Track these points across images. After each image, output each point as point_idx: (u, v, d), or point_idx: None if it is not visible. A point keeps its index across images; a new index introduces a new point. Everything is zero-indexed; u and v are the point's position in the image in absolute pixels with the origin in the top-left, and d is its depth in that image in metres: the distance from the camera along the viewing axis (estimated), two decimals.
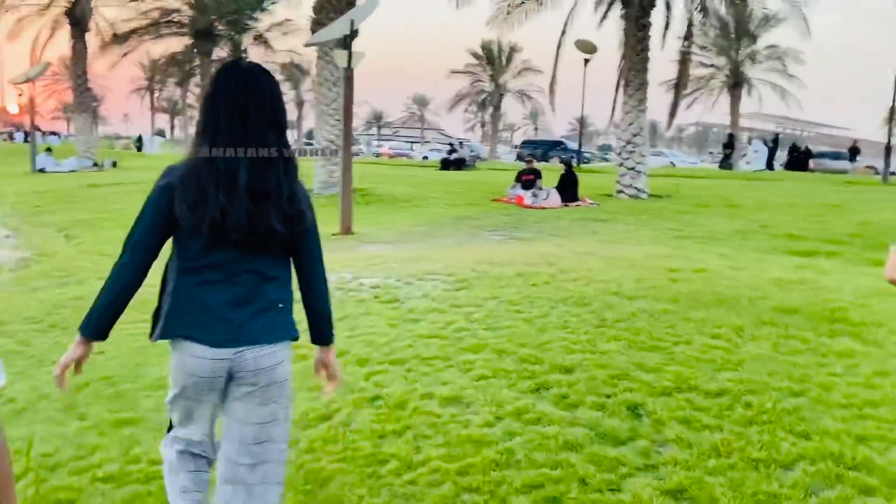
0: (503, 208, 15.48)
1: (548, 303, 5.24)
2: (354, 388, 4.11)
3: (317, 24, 16.32)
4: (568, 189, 16.13)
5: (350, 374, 4.33)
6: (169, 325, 2.25)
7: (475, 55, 51.92)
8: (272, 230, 2.16)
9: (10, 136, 58.56)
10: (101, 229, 13.21)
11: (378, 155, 52.92)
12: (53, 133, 64.77)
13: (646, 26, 17.27)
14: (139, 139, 51.54)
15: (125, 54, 28.19)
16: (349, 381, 4.22)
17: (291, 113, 68.70)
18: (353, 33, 11.08)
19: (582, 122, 32.16)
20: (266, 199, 2.15)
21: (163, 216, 2.18)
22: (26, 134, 59.54)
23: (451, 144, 36.26)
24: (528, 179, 17.12)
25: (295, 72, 40.45)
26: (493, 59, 51.65)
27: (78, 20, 28.18)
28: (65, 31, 29.10)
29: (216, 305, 2.20)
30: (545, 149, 51.53)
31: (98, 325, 2.28)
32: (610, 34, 21.73)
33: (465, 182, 21.47)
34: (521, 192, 16.63)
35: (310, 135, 68.18)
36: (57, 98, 73.34)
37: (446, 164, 30.79)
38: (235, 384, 2.26)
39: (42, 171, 26.14)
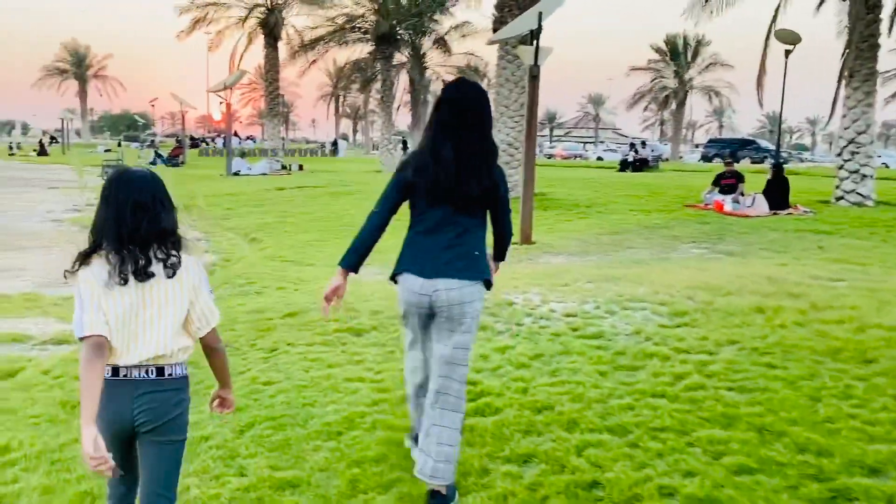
0: (699, 215, 13.85)
1: (809, 355, 4.01)
2: (565, 466, 3.18)
3: (499, 22, 15.59)
4: (777, 194, 14.19)
5: (556, 441, 3.41)
6: (399, 264, 3.02)
7: (658, 50, 49.16)
8: (470, 193, 2.90)
9: (213, 141, 63.81)
10: (284, 234, 13.31)
11: (550, 156, 51.71)
12: (250, 137, 69.87)
13: (876, 7, 14.86)
14: (335, 143, 53.75)
15: (312, 62, 29.27)
16: (555, 453, 3.31)
17: None
18: (540, 28, 10.16)
19: (780, 119, 29.05)
20: (466, 170, 2.89)
21: (401, 181, 2.99)
22: (224, 139, 64.80)
23: (631, 144, 34.31)
24: (728, 183, 15.32)
25: (472, 74, 40.28)
26: (679, 53, 48.62)
27: (271, 30, 29.68)
28: (259, 41, 30.86)
29: (429, 248, 2.93)
30: (734, 148, 48.01)
31: (351, 259, 3.02)
32: (816, 22, 19.18)
33: (650, 185, 19.86)
34: (719, 196, 14.90)
35: None
36: (253, 105, 79.19)
37: (625, 165, 29.10)
38: (437, 314, 2.94)
39: (237, 174, 27.70)
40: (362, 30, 27.47)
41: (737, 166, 17.33)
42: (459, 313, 2.90)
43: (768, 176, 14.86)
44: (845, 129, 15.03)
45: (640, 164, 28.87)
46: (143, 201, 2.21)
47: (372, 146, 68.55)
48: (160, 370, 2.29)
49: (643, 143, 35.68)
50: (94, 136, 75.71)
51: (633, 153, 30.44)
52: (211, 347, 2.45)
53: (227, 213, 15.96)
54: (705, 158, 48.72)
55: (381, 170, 29.33)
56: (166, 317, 2.26)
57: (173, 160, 35.49)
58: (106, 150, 46.90)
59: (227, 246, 11.85)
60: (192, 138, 56.11)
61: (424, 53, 31.90)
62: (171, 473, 2.35)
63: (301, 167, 31.51)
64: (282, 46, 30.64)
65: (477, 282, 2.93)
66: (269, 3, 29.71)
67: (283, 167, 30.93)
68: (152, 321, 2.24)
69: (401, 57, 30.65)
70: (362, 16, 26.89)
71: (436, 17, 27.45)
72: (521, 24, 10.55)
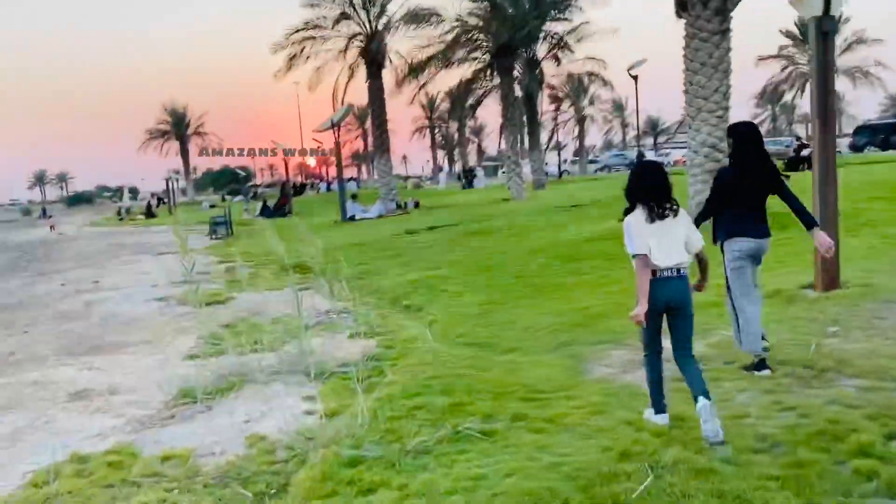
0: None
1: None
2: None
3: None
4: None
5: None
6: (730, 232, 5.17)
7: (788, 34, 43.81)
8: (763, 185, 5.10)
9: (312, 187, 62.66)
10: (444, 295, 10.05)
11: (676, 163, 46.95)
12: (352, 178, 68.41)
13: None
14: (469, 172, 49.63)
15: (423, 85, 26.38)
16: None
17: (571, 131, 64.67)
18: None
19: None
20: (756, 176, 5.11)
21: (720, 187, 5.25)
22: (328, 183, 63.27)
23: (797, 137, 29.58)
24: None
25: (592, 80, 36.58)
26: None
27: (374, 59, 27.11)
28: (361, 74, 28.35)
29: (748, 220, 5.13)
30: (886, 132, 42.49)
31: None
32: None
33: (880, 181, 15.47)
34: None
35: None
36: (350, 146, 78.14)
37: (797, 163, 24.57)
38: (759, 256, 5.21)
39: (352, 218, 25.08)
40: (476, 43, 24.39)
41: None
42: (767, 249, 5.20)
43: None
44: None
45: (809, 162, 24.30)
46: (661, 177, 4.20)
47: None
48: (678, 270, 4.13)
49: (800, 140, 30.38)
50: (198, 193, 76.36)
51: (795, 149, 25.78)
52: (699, 257, 4.33)
53: (361, 272, 12.88)
54: (855, 148, 42.96)
55: (509, 198, 25.90)
56: (677, 240, 4.15)
57: (280, 210, 33.50)
58: (211, 206, 45.89)
59: (381, 321, 8.63)
60: (294, 185, 54.77)
61: (539, 62, 28.54)
62: (691, 335, 4.24)
63: (417, 204, 28.65)
64: (386, 75, 27.99)
65: (769, 237, 5.18)
66: (368, 29, 27.17)
67: (399, 206, 28.16)
68: (670, 242, 4.13)
69: (514, 71, 27.34)
70: (476, 27, 23.79)
71: (560, 16, 24.01)
72: None
